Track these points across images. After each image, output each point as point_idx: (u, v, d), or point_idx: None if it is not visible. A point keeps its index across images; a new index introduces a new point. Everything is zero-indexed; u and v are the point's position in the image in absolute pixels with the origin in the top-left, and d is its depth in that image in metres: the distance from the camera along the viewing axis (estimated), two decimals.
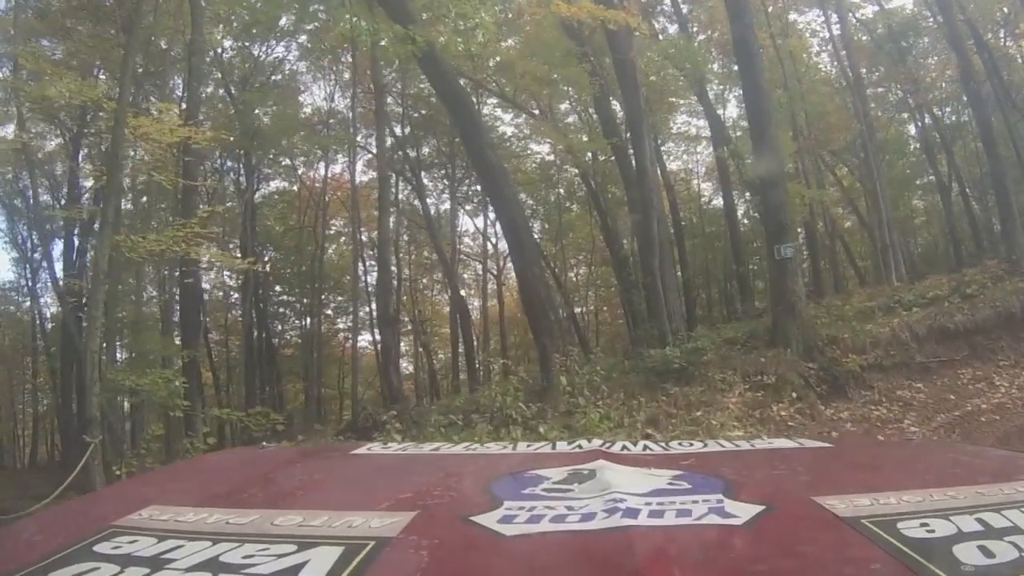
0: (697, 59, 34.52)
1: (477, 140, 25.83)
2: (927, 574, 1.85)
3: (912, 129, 46.05)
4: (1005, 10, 36.44)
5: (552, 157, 47.83)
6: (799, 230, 34.70)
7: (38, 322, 46.12)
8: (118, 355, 33.36)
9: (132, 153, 26.90)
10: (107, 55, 32.06)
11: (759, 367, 21.28)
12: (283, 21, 40.02)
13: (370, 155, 45.69)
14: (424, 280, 55.72)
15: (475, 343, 48.65)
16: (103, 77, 33.58)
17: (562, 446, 3.81)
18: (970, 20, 32.28)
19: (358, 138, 43.60)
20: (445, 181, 49.30)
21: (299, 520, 2.37)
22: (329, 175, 48.36)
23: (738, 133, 39.17)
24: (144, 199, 35.06)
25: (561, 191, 50.71)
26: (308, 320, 49.62)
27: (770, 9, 37.40)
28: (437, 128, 43.25)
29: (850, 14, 40.88)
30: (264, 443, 6.65)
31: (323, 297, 49.29)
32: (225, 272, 43.78)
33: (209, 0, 33.11)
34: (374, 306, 46.74)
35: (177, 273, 32.91)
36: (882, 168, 39.65)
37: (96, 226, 31.12)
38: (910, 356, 21.56)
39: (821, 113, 39.73)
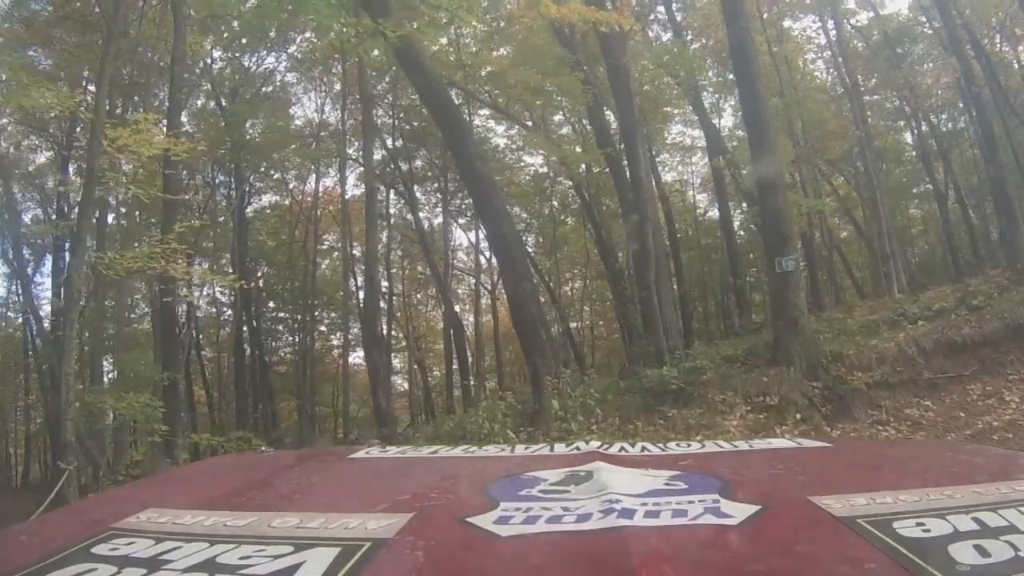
0: (692, 65, 34.68)
1: (465, 149, 25.61)
2: (923, 574, 1.86)
3: (908, 137, 46.18)
4: (1001, 15, 36.53)
5: (545, 169, 47.90)
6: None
7: (29, 339, 45.97)
8: (108, 376, 33.35)
9: (119, 166, 26.63)
10: (95, 66, 32.01)
11: (761, 387, 20.79)
12: (273, 33, 40.12)
13: (362, 168, 45.56)
14: (418, 295, 55.62)
15: (469, 359, 48.53)
16: (92, 88, 33.52)
17: (559, 448, 3.84)
18: (967, 25, 32.35)
19: (350, 151, 43.39)
20: (438, 195, 49.11)
21: (296, 522, 2.39)
22: (321, 189, 48.44)
23: (734, 143, 39.21)
24: (138, 214, 35.04)
25: (555, 204, 50.55)
26: (301, 337, 49.31)
27: (765, 16, 37.36)
28: (429, 140, 42.94)
29: (845, 20, 40.99)
30: (263, 447, 6.71)
31: (316, 313, 49.08)
32: (217, 288, 43.74)
33: (197, 9, 33.05)
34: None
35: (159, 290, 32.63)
36: (881, 176, 39.69)
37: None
38: (917, 372, 21.01)
39: (817, 121, 39.70)
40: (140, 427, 25.62)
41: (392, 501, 2.67)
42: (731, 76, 32.68)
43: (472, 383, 38.39)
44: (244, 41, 41.03)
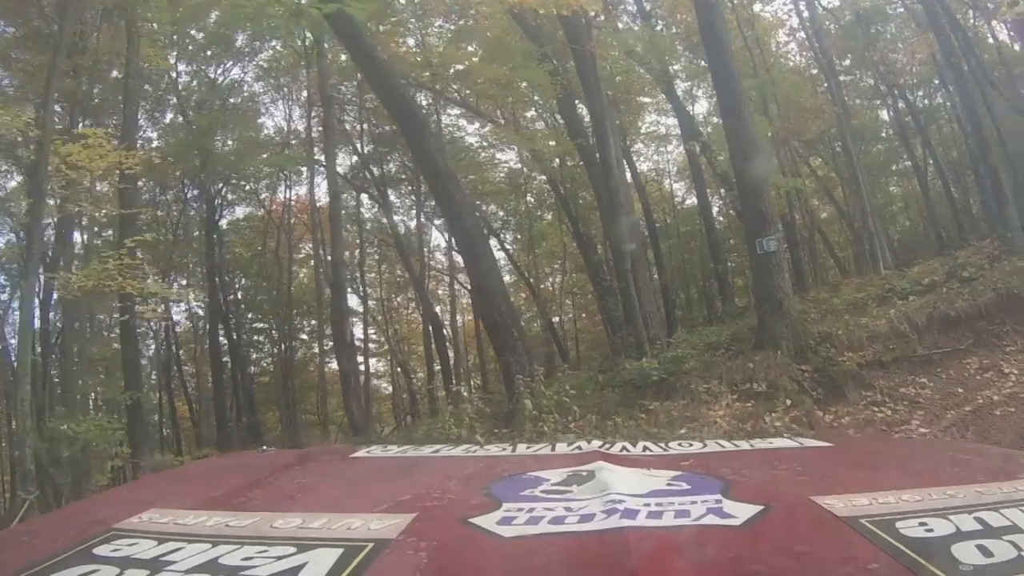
0: (663, 49, 34.40)
1: (422, 142, 25.20)
2: (925, 573, 1.90)
3: (885, 115, 46.21)
4: None
5: (519, 165, 47.89)
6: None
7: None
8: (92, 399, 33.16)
9: (81, 184, 26.24)
10: (60, 86, 31.78)
11: (747, 374, 19.96)
12: (240, 41, 40.08)
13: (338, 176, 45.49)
14: (398, 299, 55.43)
15: (450, 360, 48.38)
16: (58, 108, 33.23)
17: (561, 448, 3.88)
18: (943, 0, 32.36)
19: (320, 157, 43.01)
20: (413, 197, 48.93)
21: (298, 522, 2.44)
22: (293, 197, 48.22)
23: (709, 129, 39.10)
24: (110, 232, 34.80)
25: (531, 200, 50.54)
26: (282, 346, 49.00)
27: (735, 0, 37.34)
28: (400, 143, 42.48)
29: (817, 1, 41.03)
30: (264, 446, 6.70)
31: (296, 322, 48.89)
32: (196, 302, 43.65)
33: (158, 20, 32.89)
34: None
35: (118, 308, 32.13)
36: (860, 154, 39.77)
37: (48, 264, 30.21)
38: (911, 349, 20.21)
39: (792, 103, 39.73)
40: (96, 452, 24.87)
41: (394, 501, 2.72)
42: (703, 63, 32.55)
43: (451, 387, 38.53)
44: (209, 53, 40.94)
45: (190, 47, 40.23)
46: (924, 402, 18.72)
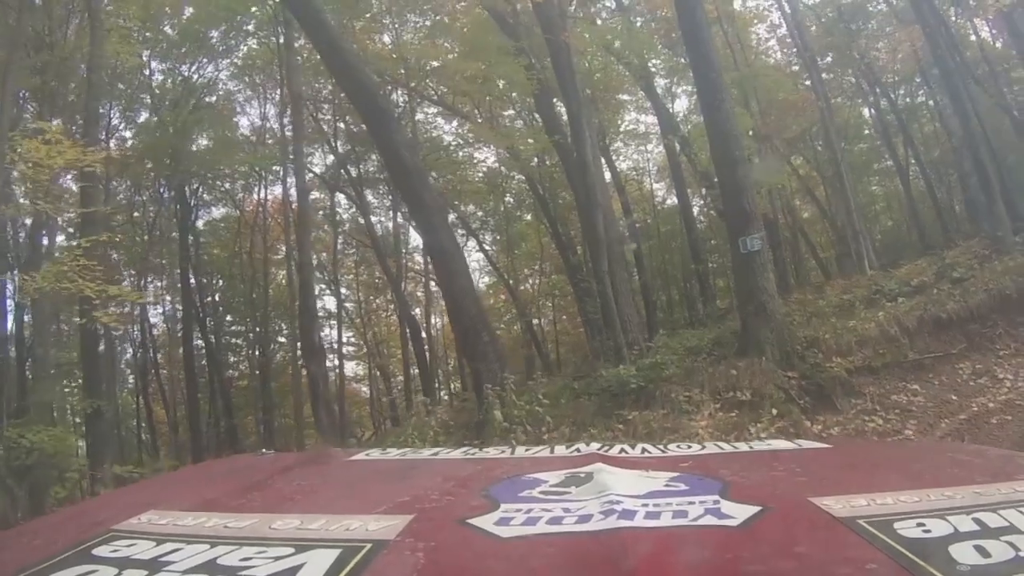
0: (641, 44, 34.31)
1: (388, 136, 24.80)
2: (923, 574, 1.92)
3: (866, 113, 46.28)
4: None
5: (497, 165, 47.64)
6: None
7: None
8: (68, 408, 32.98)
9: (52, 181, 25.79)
10: (26, 83, 31.39)
11: (730, 381, 19.60)
12: (214, 37, 40.04)
13: (311, 174, 45.36)
14: (377, 300, 55.22)
15: (427, 363, 48.19)
16: (29, 107, 32.93)
17: (560, 450, 3.91)
18: None
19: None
20: (390, 197, 48.25)
21: (297, 523, 2.46)
22: (269, 197, 47.90)
23: (689, 127, 39.25)
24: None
25: (510, 200, 50.42)
26: (260, 349, 48.72)
27: None
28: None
29: None
30: (264, 449, 6.75)
31: (275, 325, 48.44)
32: (164, 305, 43.59)
33: (125, 14, 32.80)
34: (324, 333, 46.68)
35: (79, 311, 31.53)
36: (844, 152, 39.86)
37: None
38: (902, 354, 20.19)
39: (773, 100, 39.86)
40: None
41: (393, 503, 2.74)
42: (683, 59, 32.52)
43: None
44: (184, 50, 40.78)
45: (164, 44, 40.17)
46: (917, 410, 18.64)
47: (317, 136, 44.46)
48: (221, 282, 48.23)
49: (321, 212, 47.60)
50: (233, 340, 49.14)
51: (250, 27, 39.85)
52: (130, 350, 43.88)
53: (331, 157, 46.20)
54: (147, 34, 37.60)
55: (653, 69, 40.91)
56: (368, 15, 39.37)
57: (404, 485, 3.20)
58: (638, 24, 40.24)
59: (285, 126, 41.65)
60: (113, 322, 25.81)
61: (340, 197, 48.57)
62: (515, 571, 2.15)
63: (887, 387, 19.49)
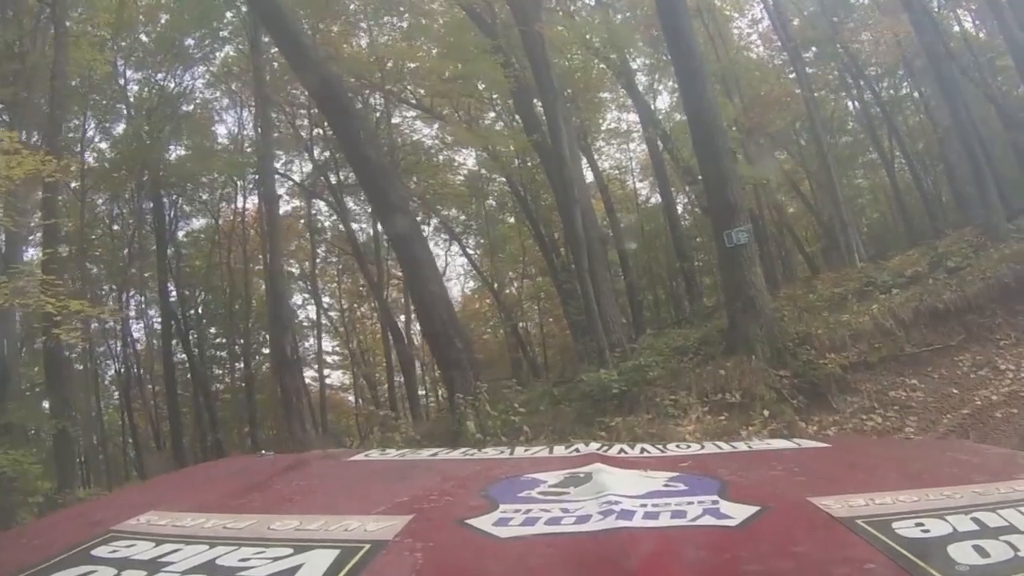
0: (621, 38, 34.11)
1: (351, 133, 24.76)
2: (922, 574, 1.94)
3: (850, 106, 46.33)
4: None
5: (477, 168, 47.76)
6: None
7: None
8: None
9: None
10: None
11: (718, 382, 19.12)
12: (190, 44, 39.99)
13: (291, 182, 45.79)
14: (361, 309, 55.01)
15: (412, 371, 47.98)
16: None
17: (559, 450, 3.94)
18: None
19: (276, 164, 43.12)
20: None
21: (295, 524, 2.48)
22: (250, 206, 47.62)
23: (671, 125, 39.17)
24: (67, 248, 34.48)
25: (492, 203, 50.31)
26: (244, 361, 48.51)
27: None
28: None
29: None
30: (263, 451, 6.73)
31: (259, 336, 47.78)
32: (155, 318, 43.39)
33: (92, 21, 32.69)
34: (311, 342, 46.82)
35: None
36: (830, 144, 39.87)
37: None
38: (898, 347, 19.68)
39: (756, 95, 39.89)
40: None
41: (392, 503, 2.76)
42: (665, 56, 32.51)
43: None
44: (160, 58, 40.59)
45: (140, 52, 40.08)
46: (917, 406, 18.23)
47: (295, 143, 44.53)
48: (204, 294, 47.88)
49: (302, 221, 47.48)
50: (218, 353, 48.88)
51: (225, 33, 39.77)
52: (113, 366, 43.60)
53: (310, 165, 46.13)
54: (122, 43, 37.45)
55: (634, 66, 41.12)
56: (343, 17, 39.39)
57: (403, 485, 3.21)
58: (617, 20, 40.20)
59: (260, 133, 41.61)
60: (75, 339, 25.39)
61: (322, 205, 48.59)
62: (514, 572, 2.16)
63: (884, 383, 19.06)
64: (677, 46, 23.87)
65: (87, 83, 36.02)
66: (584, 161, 41.83)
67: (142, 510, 2.68)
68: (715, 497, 2.60)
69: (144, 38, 39.59)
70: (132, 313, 36.67)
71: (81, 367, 37.73)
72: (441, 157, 47.38)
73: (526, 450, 4.25)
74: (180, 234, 46.25)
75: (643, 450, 3.83)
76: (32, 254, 31.00)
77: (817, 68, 42.87)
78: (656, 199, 48.82)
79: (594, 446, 3.87)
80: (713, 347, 21.70)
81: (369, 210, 46.67)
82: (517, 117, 39.29)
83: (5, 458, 21.61)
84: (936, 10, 35.50)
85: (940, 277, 22.52)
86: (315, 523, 2.46)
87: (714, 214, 22.87)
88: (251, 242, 47.34)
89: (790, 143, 45.26)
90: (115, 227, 42.78)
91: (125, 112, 41.57)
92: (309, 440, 33.18)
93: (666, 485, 2.85)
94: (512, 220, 50.15)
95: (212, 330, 48.34)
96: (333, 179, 45.99)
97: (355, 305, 54.39)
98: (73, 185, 36.95)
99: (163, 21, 38.74)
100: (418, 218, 40.62)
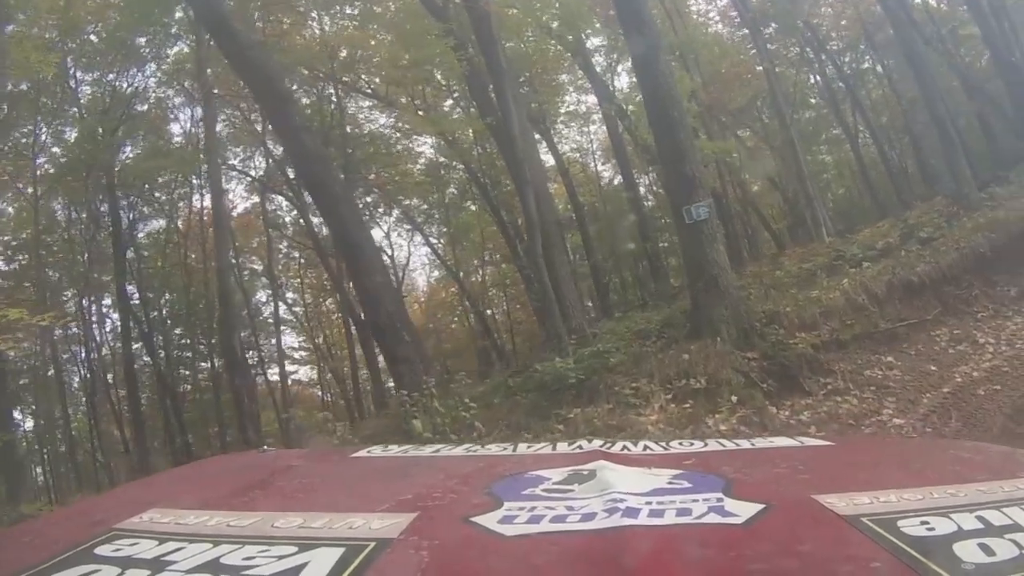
0: (574, 14, 34.63)
1: (285, 119, 24.42)
2: (927, 572, 1.96)
3: (812, 80, 46.41)
4: None
5: (436, 156, 48.05)
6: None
7: None
8: None
9: None
10: None
11: (682, 367, 18.05)
12: (142, 43, 39.74)
13: (249, 178, 45.94)
14: (328, 303, 54.91)
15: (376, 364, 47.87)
16: None
17: (562, 447, 3.96)
18: None
19: (234, 161, 43.87)
20: None
21: (300, 522, 2.49)
22: (207, 205, 47.03)
23: (631, 107, 39.24)
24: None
25: (453, 191, 50.38)
26: (211, 362, 48.23)
27: None
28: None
29: None
30: (265, 446, 6.73)
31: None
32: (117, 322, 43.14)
33: (43, 27, 32.49)
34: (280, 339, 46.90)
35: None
36: (793, 118, 39.97)
37: None
38: (872, 324, 19.08)
39: (716, 72, 40.20)
40: None
41: (396, 501, 2.78)
42: (623, 36, 32.46)
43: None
44: (111, 59, 40.31)
45: (90, 53, 39.69)
46: (894, 386, 17.51)
47: (250, 138, 44.41)
48: (167, 295, 47.65)
49: (261, 218, 47.43)
50: (184, 354, 48.69)
51: (175, 30, 39.56)
52: (79, 372, 43.42)
53: (266, 160, 45.84)
54: (71, 44, 37.20)
55: (591, 45, 41.29)
56: (293, 6, 39.27)
57: (407, 483, 3.22)
58: None
59: (220, 130, 41.51)
60: (10, 348, 25.22)
61: (282, 200, 48.45)
62: (519, 569, 2.18)
63: (859, 362, 18.36)
64: (629, 14, 22.74)
65: (36, 87, 35.68)
66: (544, 145, 42.15)
67: (144, 508, 2.70)
68: (720, 495, 2.62)
69: (94, 38, 39.24)
70: (94, 318, 36.19)
71: (50, 374, 37.53)
72: (399, 147, 47.31)
73: (529, 447, 4.25)
74: (140, 235, 45.95)
75: (646, 447, 3.85)
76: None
77: (778, 44, 42.96)
78: (619, 180, 48.79)
79: (597, 443, 3.89)
80: (676, 330, 21.01)
81: None
82: (474, 105, 39.02)
83: None
84: None
85: (913, 248, 22.24)
86: (319, 521, 2.48)
87: (672, 189, 22.08)
88: (209, 241, 47.05)
89: (752, 119, 45.28)
90: (73, 231, 42.35)
91: (77, 115, 41.21)
92: (262, 440, 31.68)
93: (670, 483, 2.87)
94: (474, 207, 50.19)
95: (177, 331, 48.12)
96: (291, 174, 45.93)
97: (319, 299, 54.36)
98: (29, 191, 36.77)
99: (113, 21, 38.45)
100: (379, 209, 40.78)
